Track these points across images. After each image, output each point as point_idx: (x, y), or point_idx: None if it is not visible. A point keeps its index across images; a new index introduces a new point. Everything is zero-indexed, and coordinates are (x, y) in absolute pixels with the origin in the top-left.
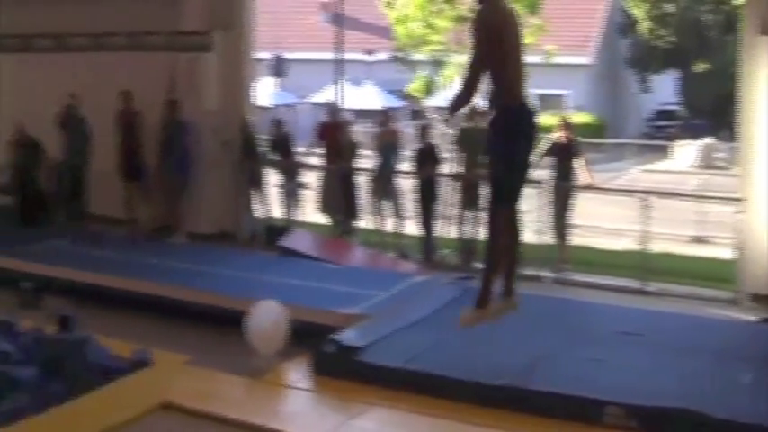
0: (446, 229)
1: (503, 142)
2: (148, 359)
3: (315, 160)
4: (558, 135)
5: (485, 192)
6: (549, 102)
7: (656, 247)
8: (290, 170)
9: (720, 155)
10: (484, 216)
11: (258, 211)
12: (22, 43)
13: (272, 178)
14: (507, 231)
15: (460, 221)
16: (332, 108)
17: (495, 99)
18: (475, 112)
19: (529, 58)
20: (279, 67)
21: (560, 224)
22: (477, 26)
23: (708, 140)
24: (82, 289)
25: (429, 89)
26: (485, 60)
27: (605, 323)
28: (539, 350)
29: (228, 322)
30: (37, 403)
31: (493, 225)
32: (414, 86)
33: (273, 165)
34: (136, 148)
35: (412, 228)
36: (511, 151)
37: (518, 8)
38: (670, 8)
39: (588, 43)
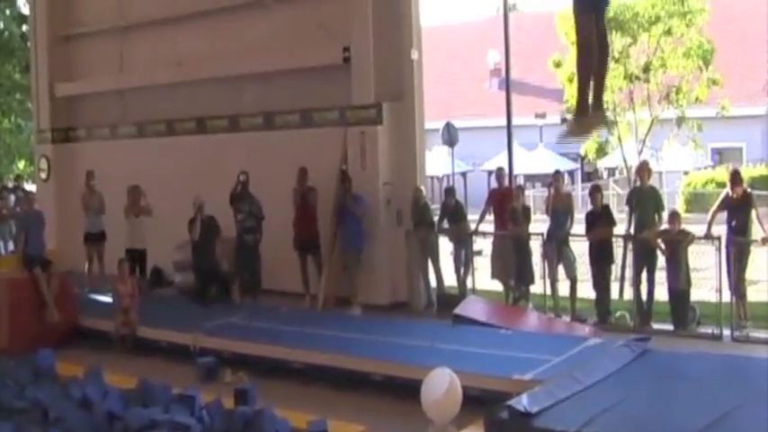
0: (621, 291)
1: None
2: (324, 430)
3: (487, 227)
4: (731, 189)
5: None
6: (727, 155)
7: None
8: (463, 238)
9: None
10: (659, 277)
11: (431, 280)
12: (197, 125)
13: (445, 246)
14: (597, 42)
15: (635, 283)
16: (502, 174)
17: None
18: (644, 170)
19: (703, 112)
20: (450, 136)
21: (738, 280)
22: None
23: None
24: (259, 362)
25: (601, 150)
26: None
27: None
28: (718, 410)
29: (404, 391)
30: None
31: (580, 34)
32: (586, 147)
33: (446, 233)
34: (311, 222)
35: (586, 291)
36: None
37: (690, 63)
38: None
39: (764, 92)
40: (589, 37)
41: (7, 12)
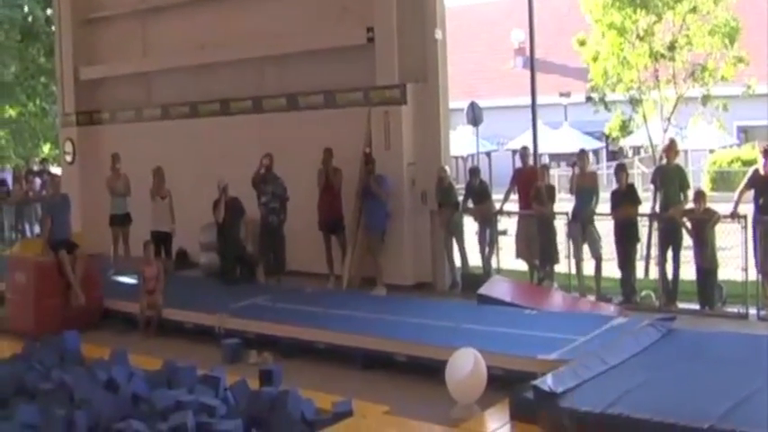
0: (646, 271)
1: None
2: (349, 410)
3: (512, 206)
4: (759, 166)
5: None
6: (752, 134)
7: None
8: (487, 217)
9: None
10: (684, 256)
11: (456, 259)
12: (221, 107)
13: (470, 226)
14: None
15: (661, 262)
16: (527, 153)
17: None
18: (671, 149)
19: (729, 90)
20: (474, 115)
21: (765, 259)
22: None
23: None
24: (285, 343)
25: (626, 128)
26: None
27: None
28: (744, 391)
29: (428, 371)
30: None
31: None
32: (610, 126)
33: (471, 213)
34: (335, 203)
35: (611, 270)
36: None
37: (716, 41)
38: None
39: None
40: None
41: None
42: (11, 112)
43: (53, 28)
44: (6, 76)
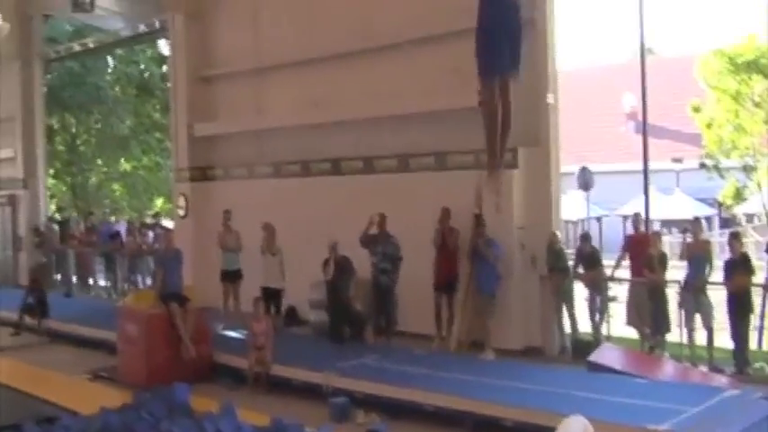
0: (759, 342)
1: None
2: None
3: (623, 273)
4: None
5: None
6: None
7: None
8: (598, 284)
9: None
10: None
11: (566, 325)
12: (332, 166)
13: (580, 292)
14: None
15: None
16: (639, 219)
17: None
18: None
19: None
20: (585, 180)
21: None
22: None
23: None
24: (392, 404)
25: (740, 195)
26: None
27: None
28: None
29: None
30: None
31: (481, 98)
32: (724, 193)
33: (581, 278)
34: (451, 263)
35: (724, 340)
36: None
37: None
38: None
39: None
40: (490, 102)
41: (148, 52)
42: (126, 166)
43: (168, 84)
44: (122, 131)
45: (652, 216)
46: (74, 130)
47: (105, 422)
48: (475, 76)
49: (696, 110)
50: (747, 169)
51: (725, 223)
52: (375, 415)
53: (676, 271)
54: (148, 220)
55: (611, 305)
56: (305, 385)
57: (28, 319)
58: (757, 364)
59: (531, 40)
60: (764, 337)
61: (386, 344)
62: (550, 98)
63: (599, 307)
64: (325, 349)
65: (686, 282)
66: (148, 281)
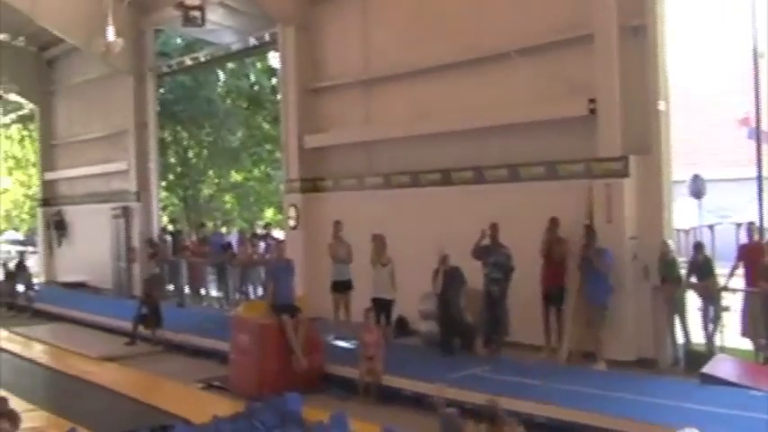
0: None
1: None
2: None
3: (737, 282)
4: None
5: None
6: None
7: None
8: (711, 293)
9: None
10: None
11: (679, 336)
12: (442, 177)
13: (693, 302)
14: None
15: None
16: (753, 228)
17: None
18: None
19: None
20: (697, 188)
21: None
22: None
23: None
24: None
25: None
26: None
27: None
28: None
29: None
30: None
31: None
32: None
33: (694, 288)
34: (558, 273)
35: None
36: None
37: None
38: None
39: None
40: None
41: (258, 65)
42: (237, 177)
43: (278, 97)
44: (233, 143)
45: (766, 224)
46: (186, 142)
47: (218, 431)
48: (584, 84)
49: None
50: None
51: None
52: (485, 426)
53: None
54: (259, 231)
55: (725, 315)
56: (415, 396)
57: (142, 329)
58: None
59: (641, 47)
60: None
61: (496, 355)
62: (662, 105)
63: (712, 317)
64: (435, 360)
65: None
66: (260, 291)
